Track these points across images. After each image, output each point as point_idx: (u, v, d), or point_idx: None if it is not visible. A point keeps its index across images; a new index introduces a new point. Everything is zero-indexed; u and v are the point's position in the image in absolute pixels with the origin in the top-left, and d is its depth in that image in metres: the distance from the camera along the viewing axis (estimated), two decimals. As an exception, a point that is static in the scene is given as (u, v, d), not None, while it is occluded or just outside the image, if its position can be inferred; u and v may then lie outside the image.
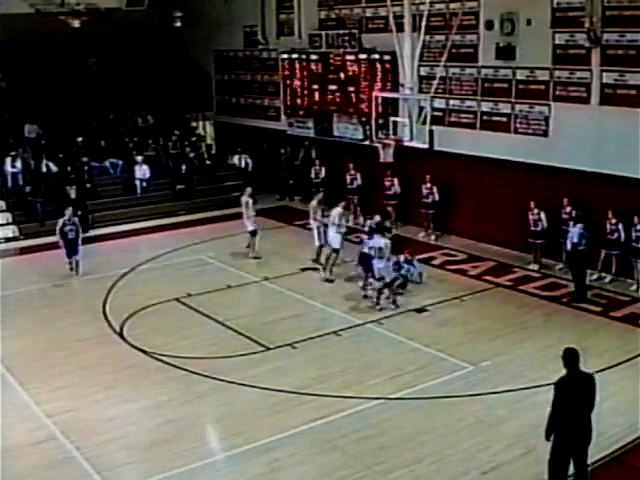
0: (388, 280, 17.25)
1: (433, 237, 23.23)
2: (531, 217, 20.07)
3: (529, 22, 20.20)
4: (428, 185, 23.03)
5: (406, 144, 19.73)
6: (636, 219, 17.95)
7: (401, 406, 13.00)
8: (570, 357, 9.89)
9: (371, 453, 11.40)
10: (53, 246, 21.62)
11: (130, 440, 11.99)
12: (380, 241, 17.33)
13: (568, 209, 19.49)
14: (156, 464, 11.30)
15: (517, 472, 10.96)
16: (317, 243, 20.34)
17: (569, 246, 18.19)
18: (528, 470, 10.95)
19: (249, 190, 22.06)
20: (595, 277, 18.93)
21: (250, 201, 21.66)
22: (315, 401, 13.09)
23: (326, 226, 19.81)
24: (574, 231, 18.03)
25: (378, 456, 11.29)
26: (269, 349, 15.42)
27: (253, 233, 21.52)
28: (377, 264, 17.07)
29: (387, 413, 12.74)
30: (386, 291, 17.38)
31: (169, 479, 10.95)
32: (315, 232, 20.51)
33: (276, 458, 11.45)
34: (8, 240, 23.56)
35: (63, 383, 13.97)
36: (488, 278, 19.43)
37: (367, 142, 23.57)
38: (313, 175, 26.76)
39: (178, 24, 30.32)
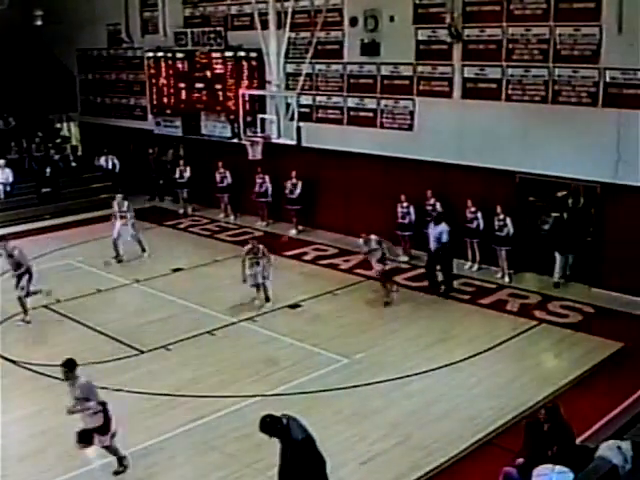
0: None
1: (294, 231, 23.48)
2: (400, 210, 20.49)
3: (392, 19, 20.59)
4: (294, 181, 23.24)
5: (274, 141, 19.75)
6: (499, 209, 18.55)
7: (278, 402, 12.97)
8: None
9: (250, 451, 11.39)
10: None
11: (2, 453, 11.58)
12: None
13: (432, 201, 20.00)
14: (30, 476, 11.01)
15: (394, 460, 11.17)
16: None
17: (433, 245, 18.25)
18: (404, 458, 11.20)
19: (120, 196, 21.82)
20: (467, 267, 19.52)
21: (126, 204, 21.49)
22: (192, 402, 13.00)
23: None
24: (438, 231, 18.11)
25: (257, 453, 11.28)
26: (142, 352, 15.20)
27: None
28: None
29: (264, 410, 12.48)
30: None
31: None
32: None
33: (154, 462, 11.32)
34: None
35: None
36: (359, 271, 19.68)
37: (235, 140, 23.50)
38: (178, 175, 26.55)
39: (39, 22, 29.48)
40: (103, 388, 13.00)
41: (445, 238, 17.98)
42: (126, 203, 21.28)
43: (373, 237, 17.64)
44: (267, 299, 17.50)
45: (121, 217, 21.15)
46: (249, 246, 17.50)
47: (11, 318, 17.02)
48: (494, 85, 18.86)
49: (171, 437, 11.95)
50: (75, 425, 12.36)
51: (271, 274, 17.50)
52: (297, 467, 8.87)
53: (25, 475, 11.07)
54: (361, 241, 17.93)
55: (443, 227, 18.06)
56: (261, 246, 17.54)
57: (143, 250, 21.47)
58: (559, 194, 18.70)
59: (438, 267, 18.33)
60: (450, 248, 18.28)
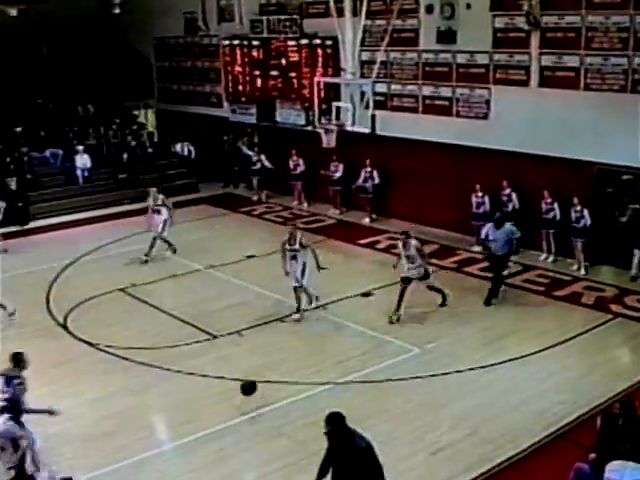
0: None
1: (367, 220, 23.41)
2: (474, 200, 20.30)
3: (469, 6, 20.33)
4: (368, 169, 23.17)
5: (348, 129, 19.73)
6: (575, 200, 18.24)
7: (348, 391, 13.05)
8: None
9: (319, 438, 11.26)
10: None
11: (75, 433, 11.84)
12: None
13: (507, 191, 19.77)
14: (102, 457, 11.20)
15: (464, 452, 11.09)
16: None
17: (499, 249, 16.78)
18: (474, 450, 11.11)
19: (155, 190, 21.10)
20: (542, 258, 19.26)
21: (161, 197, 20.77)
22: (262, 388, 13.03)
23: None
24: (506, 232, 16.82)
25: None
26: (215, 337, 15.37)
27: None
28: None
29: (334, 398, 12.76)
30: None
31: (116, 471, 10.86)
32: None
33: (223, 446, 11.44)
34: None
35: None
36: (432, 261, 19.50)
37: (310, 128, 23.54)
38: (266, 164, 26.51)
39: (117, 11, 29.87)
40: (177, 372, 13.27)
41: (517, 234, 16.91)
42: (160, 197, 20.66)
43: (413, 242, 16.17)
44: (297, 309, 16.14)
45: (156, 212, 20.42)
46: (287, 235, 16.29)
47: (88, 301, 17.36)
48: (572, 74, 18.50)
49: (241, 422, 12.06)
50: (148, 408, 12.66)
51: (307, 273, 16.05)
52: (359, 475, 8.51)
53: (98, 456, 11.25)
54: (400, 244, 16.36)
55: (510, 227, 17.06)
56: (299, 235, 16.23)
57: (170, 246, 20.66)
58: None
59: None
60: (507, 258, 17.29)
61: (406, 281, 16.02)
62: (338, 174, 24.32)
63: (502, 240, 16.70)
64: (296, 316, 16.07)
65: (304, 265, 16.01)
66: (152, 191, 20.84)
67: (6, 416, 9.90)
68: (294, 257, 16.01)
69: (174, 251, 20.60)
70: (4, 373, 10.60)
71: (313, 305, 16.47)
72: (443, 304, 16.49)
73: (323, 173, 24.46)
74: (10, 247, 21.80)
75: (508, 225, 17.10)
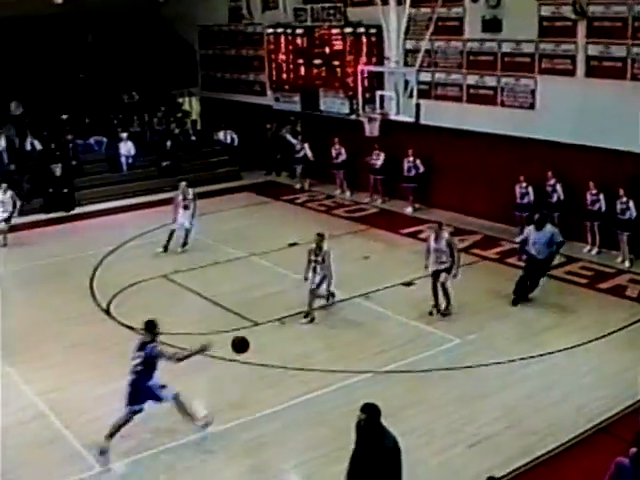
0: None
1: (410, 209, 23.33)
2: (518, 190, 20.17)
3: (515, -6, 20.18)
4: (410, 159, 23.10)
5: (392, 118, 19.69)
6: (621, 191, 18.04)
7: (388, 380, 13.07)
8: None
9: (358, 427, 11.46)
10: (39, 224, 21.61)
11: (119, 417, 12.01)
12: None
13: (552, 181, 19.60)
14: (145, 440, 11.34)
15: (503, 444, 11.04)
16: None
17: (539, 252, 15.92)
18: (514, 442, 11.05)
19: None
20: (586, 250, 19.08)
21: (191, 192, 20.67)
22: (302, 376, 13.15)
23: None
24: (548, 234, 15.96)
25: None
26: (257, 324, 15.45)
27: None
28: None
29: (374, 387, 12.79)
30: None
31: (157, 455, 11.00)
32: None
33: (264, 433, 11.52)
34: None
35: (51, 362, 13.96)
36: (475, 251, 19.50)
37: (353, 116, 23.51)
38: (307, 153, 26.63)
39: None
40: (219, 358, 13.36)
41: (559, 238, 16.08)
42: (191, 192, 20.51)
43: (446, 235, 15.75)
44: (306, 314, 15.74)
45: (185, 207, 20.23)
46: (313, 245, 15.85)
47: (131, 287, 17.54)
48: (619, 64, 18.25)
49: (281, 409, 12.13)
50: (190, 393, 12.72)
51: (325, 285, 15.86)
52: (379, 474, 8.24)
53: (139, 440, 11.37)
54: (431, 236, 15.85)
55: (552, 229, 16.16)
56: (325, 247, 15.75)
57: (184, 244, 20.29)
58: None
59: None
60: (549, 262, 16.41)
61: (436, 275, 15.72)
62: (379, 163, 24.27)
63: (543, 243, 15.84)
64: (303, 320, 15.67)
65: (323, 277, 15.71)
66: (182, 185, 20.61)
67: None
68: (314, 269, 15.69)
69: (165, 249, 20.12)
70: (141, 341, 11.20)
71: (329, 301, 16.25)
72: (446, 312, 15.68)
73: (367, 160, 24.41)
74: (55, 233, 22.13)
75: (550, 227, 16.19)
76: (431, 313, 15.74)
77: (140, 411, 11.10)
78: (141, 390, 11.04)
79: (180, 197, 20.36)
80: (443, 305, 15.73)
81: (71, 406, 12.34)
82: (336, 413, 11.88)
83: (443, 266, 15.58)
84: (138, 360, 11.00)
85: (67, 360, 14.04)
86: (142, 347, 11.05)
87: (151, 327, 11.19)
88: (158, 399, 11.15)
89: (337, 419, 11.71)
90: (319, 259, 15.66)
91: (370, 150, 24.07)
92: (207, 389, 12.97)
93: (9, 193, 21.24)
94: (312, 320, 15.68)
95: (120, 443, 11.10)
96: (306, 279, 15.88)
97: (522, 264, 16.63)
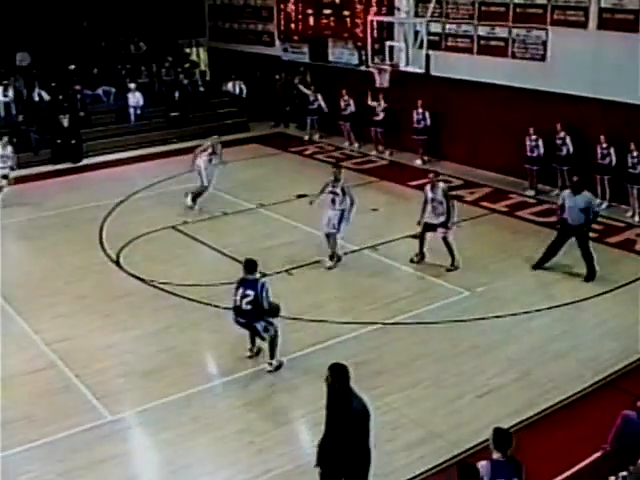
0: None
1: (419, 162, 23.21)
2: (528, 143, 20.05)
3: (527, -57, 19.86)
4: (420, 110, 22.92)
5: (402, 69, 19.50)
6: (632, 145, 17.90)
7: (397, 331, 13.11)
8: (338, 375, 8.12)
9: (368, 378, 11.50)
10: (47, 175, 21.57)
11: (128, 367, 12.10)
12: None
13: (561, 134, 19.45)
14: (155, 390, 11.43)
15: (511, 395, 11.11)
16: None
17: (574, 219, 14.94)
18: (522, 394, 11.12)
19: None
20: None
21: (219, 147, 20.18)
22: (311, 327, 13.19)
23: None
24: (585, 201, 14.90)
25: (375, 380, 11.41)
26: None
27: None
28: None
29: (383, 338, 12.85)
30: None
31: (168, 405, 11.08)
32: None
33: (274, 382, 11.63)
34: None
35: (61, 312, 14.03)
36: (484, 204, 19.45)
37: (363, 67, 23.30)
38: (318, 104, 26.44)
39: (169, -53, 29.75)
40: (227, 309, 13.38)
41: (596, 208, 15.41)
42: (219, 147, 20.05)
43: (442, 185, 15.54)
44: (331, 256, 15.79)
45: (209, 160, 19.64)
46: (331, 176, 15.83)
47: (140, 238, 17.55)
48: (631, 16, 17.99)
49: (291, 359, 12.18)
50: (199, 343, 12.81)
51: (349, 220, 15.69)
52: (346, 437, 7.97)
53: (150, 389, 11.49)
54: (428, 186, 15.60)
55: (589, 196, 15.13)
56: (342, 180, 15.77)
57: (193, 200, 19.50)
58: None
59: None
60: (589, 230, 15.50)
61: (428, 227, 15.60)
62: (381, 114, 24.11)
63: (578, 209, 14.83)
64: (329, 263, 15.79)
65: (342, 213, 15.52)
66: (213, 139, 20.13)
67: None
68: (333, 200, 15.52)
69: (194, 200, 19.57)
70: (244, 278, 11.84)
71: (331, 263, 15.86)
72: (451, 267, 15.49)
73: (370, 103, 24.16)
74: (63, 184, 22.11)
75: (587, 193, 15.05)
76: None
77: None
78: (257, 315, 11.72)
79: (210, 150, 19.69)
80: (448, 261, 15.60)
81: (81, 356, 12.42)
82: (346, 364, 11.91)
83: (439, 220, 15.43)
84: (249, 298, 11.60)
85: (77, 310, 14.10)
86: (249, 285, 11.66)
87: (254, 266, 11.83)
88: (261, 337, 11.97)
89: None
90: (337, 191, 15.52)
91: (378, 101, 23.86)
92: (217, 340, 13.06)
93: (9, 148, 21.00)
94: (339, 259, 15.85)
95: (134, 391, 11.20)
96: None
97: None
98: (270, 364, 11.88)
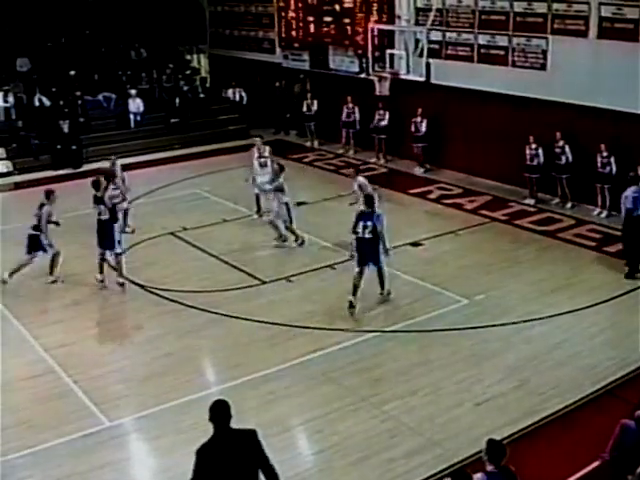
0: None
1: (422, 170, 23.22)
2: (528, 151, 20.05)
3: (527, -47, 19.89)
4: (418, 119, 22.94)
5: (402, 77, 19.54)
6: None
7: (396, 339, 13.10)
8: (218, 412, 7.35)
9: (366, 385, 11.54)
10: (47, 181, 21.52)
11: (126, 373, 12.10)
12: None
13: (561, 143, 19.46)
14: (152, 396, 11.42)
15: (510, 404, 11.08)
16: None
17: (623, 211, 15.64)
18: (521, 402, 11.09)
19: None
20: (596, 213, 18.99)
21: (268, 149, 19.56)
22: (310, 334, 13.18)
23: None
24: (629, 194, 15.35)
25: (373, 388, 11.42)
26: (264, 282, 15.47)
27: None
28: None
29: (382, 346, 12.85)
30: None
31: (165, 411, 11.06)
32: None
33: (271, 390, 11.57)
34: (2, 175, 23.48)
35: (59, 317, 14.05)
36: (484, 212, 19.44)
37: (363, 75, 23.33)
38: (305, 108, 26.65)
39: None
40: (226, 315, 13.38)
41: (633, 204, 15.25)
42: (267, 148, 19.53)
43: (361, 179, 17.19)
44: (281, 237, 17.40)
45: (261, 165, 19.11)
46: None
47: (139, 244, 17.55)
48: (631, 25, 18.01)
49: (289, 367, 12.17)
50: (197, 350, 12.80)
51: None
52: None
53: (147, 396, 11.49)
54: (355, 185, 17.38)
55: (633, 191, 15.22)
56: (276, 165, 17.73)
57: (259, 209, 19.32)
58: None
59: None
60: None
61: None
62: (383, 123, 24.10)
63: (633, 199, 15.12)
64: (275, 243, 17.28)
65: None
66: (257, 141, 19.62)
67: None
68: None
69: (259, 211, 19.36)
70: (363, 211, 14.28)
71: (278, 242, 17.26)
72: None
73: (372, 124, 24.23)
74: (63, 189, 22.04)
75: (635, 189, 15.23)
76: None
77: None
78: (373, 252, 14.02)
79: (256, 154, 19.25)
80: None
81: (79, 361, 12.41)
82: (345, 371, 11.96)
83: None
84: (369, 228, 13.84)
85: (75, 316, 14.11)
86: (368, 217, 13.90)
87: (372, 202, 14.13)
88: (377, 262, 14.17)
89: (345, 377, 11.82)
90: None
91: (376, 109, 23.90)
92: (215, 346, 13.06)
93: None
94: (303, 243, 17.26)
95: (131, 397, 11.17)
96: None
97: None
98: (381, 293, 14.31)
